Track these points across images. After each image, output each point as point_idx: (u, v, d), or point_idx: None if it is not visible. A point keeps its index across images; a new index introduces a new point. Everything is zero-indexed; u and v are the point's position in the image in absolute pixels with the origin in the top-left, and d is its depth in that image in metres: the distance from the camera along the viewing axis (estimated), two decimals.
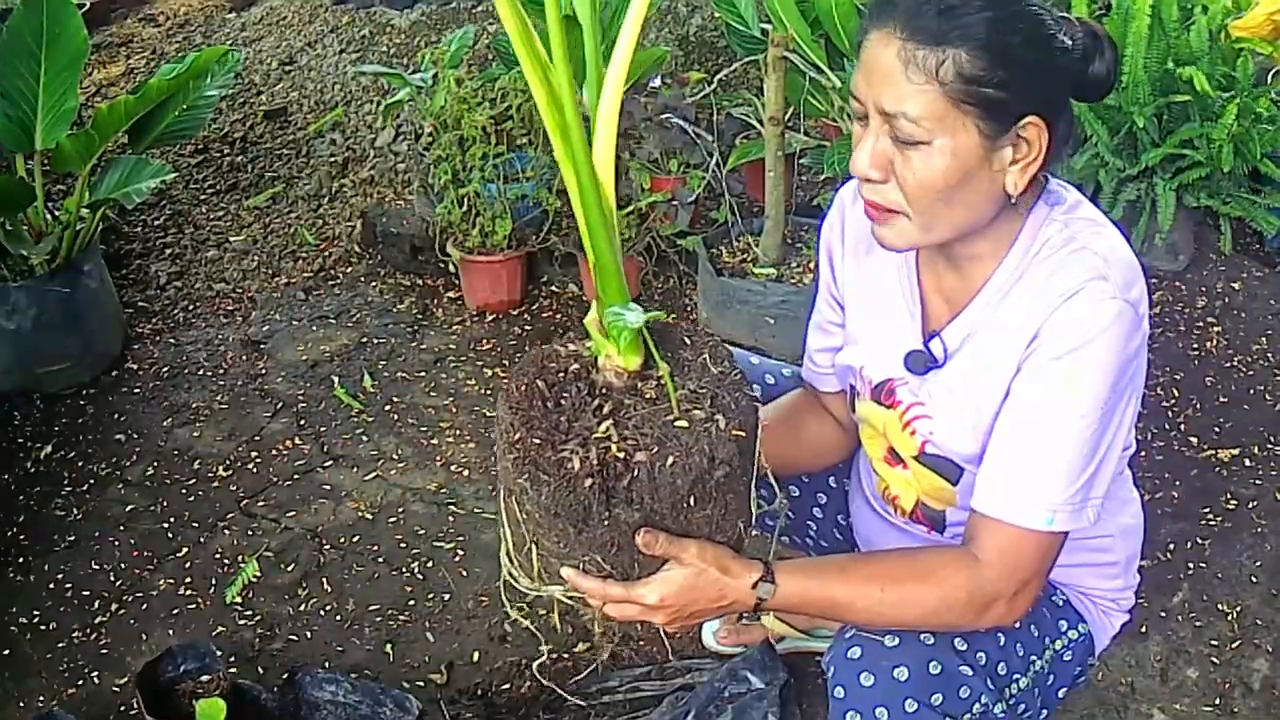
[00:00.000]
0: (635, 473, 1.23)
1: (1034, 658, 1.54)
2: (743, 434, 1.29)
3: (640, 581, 1.30)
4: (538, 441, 1.25)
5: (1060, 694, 1.62)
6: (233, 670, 2.24)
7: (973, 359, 1.44)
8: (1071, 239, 1.35)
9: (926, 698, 1.36)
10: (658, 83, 3.58)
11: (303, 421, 3.03)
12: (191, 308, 3.56)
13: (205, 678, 2.13)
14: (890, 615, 1.38)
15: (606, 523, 1.25)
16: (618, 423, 1.27)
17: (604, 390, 1.31)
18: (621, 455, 1.24)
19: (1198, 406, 2.93)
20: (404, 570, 2.53)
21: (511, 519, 1.32)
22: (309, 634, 2.38)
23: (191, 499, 2.76)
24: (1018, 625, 1.48)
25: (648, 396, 1.30)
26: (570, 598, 1.34)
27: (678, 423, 1.27)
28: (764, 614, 1.93)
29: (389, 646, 2.34)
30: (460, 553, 2.58)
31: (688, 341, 1.38)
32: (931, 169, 1.27)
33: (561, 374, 1.34)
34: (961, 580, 1.37)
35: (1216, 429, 2.86)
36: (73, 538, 2.64)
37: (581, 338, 1.39)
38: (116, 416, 3.06)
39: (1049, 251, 1.36)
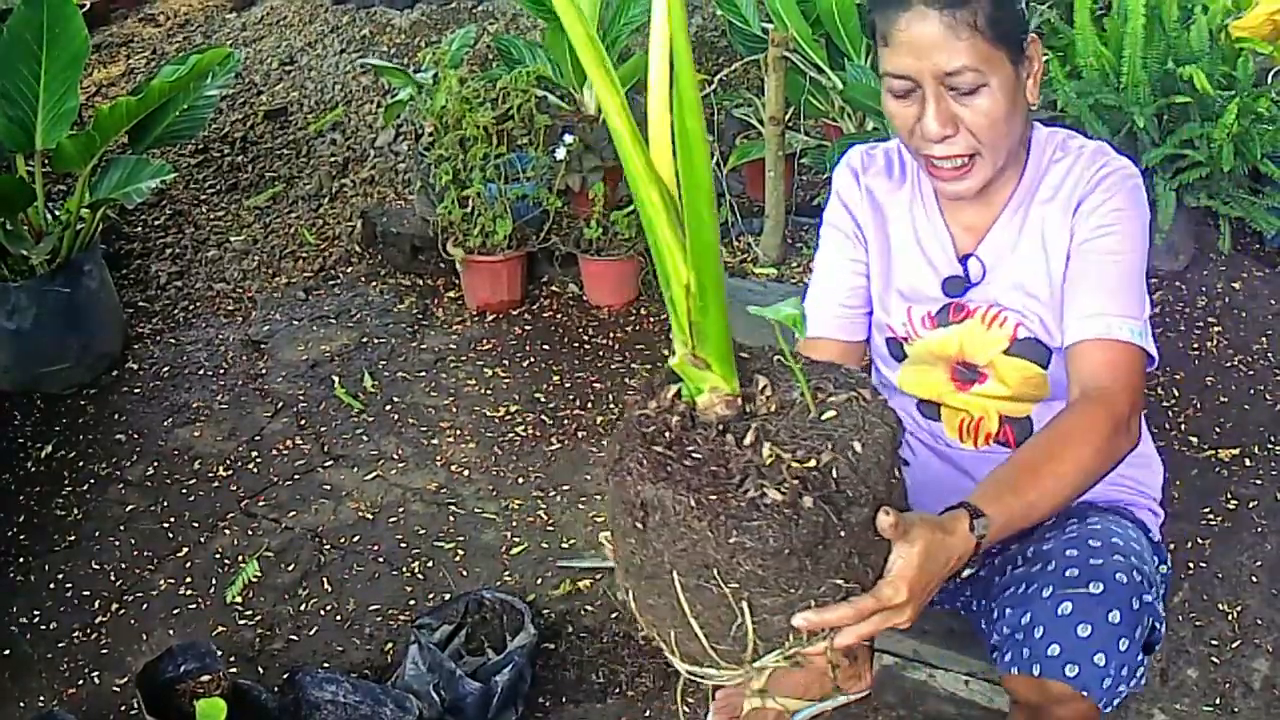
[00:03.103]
0: (836, 471, 1.14)
1: (1156, 583, 1.58)
2: (885, 398, 1.23)
3: (881, 585, 1.20)
4: (715, 497, 1.12)
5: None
6: (233, 670, 2.23)
7: (1019, 263, 1.62)
8: (1066, 144, 1.63)
9: (1132, 633, 1.42)
10: None
11: (303, 421, 3.03)
12: (192, 308, 3.56)
13: (205, 678, 2.13)
14: (1074, 488, 1.44)
15: (843, 534, 1.14)
16: (774, 442, 1.16)
17: (724, 425, 1.19)
18: (810, 464, 1.14)
19: (1198, 406, 2.92)
20: (404, 570, 2.53)
21: (704, 602, 1.15)
22: (309, 634, 2.38)
23: (192, 499, 2.76)
24: (1140, 548, 1.54)
25: (772, 409, 1.21)
26: (786, 658, 1.19)
27: (825, 416, 1.19)
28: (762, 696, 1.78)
29: (389, 646, 2.34)
30: (460, 552, 2.58)
31: (745, 355, 1.29)
32: (996, 104, 1.49)
33: (668, 431, 1.21)
34: (1099, 414, 1.46)
35: (1217, 429, 2.85)
36: (73, 537, 2.64)
37: (647, 388, 1.27)
38: (117, 416, 3.06)
39: (1060, 155, 1.62)
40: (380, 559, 2.57)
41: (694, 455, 1.17)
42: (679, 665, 1.22)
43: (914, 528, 1.22)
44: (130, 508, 2.73)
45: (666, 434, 1.20)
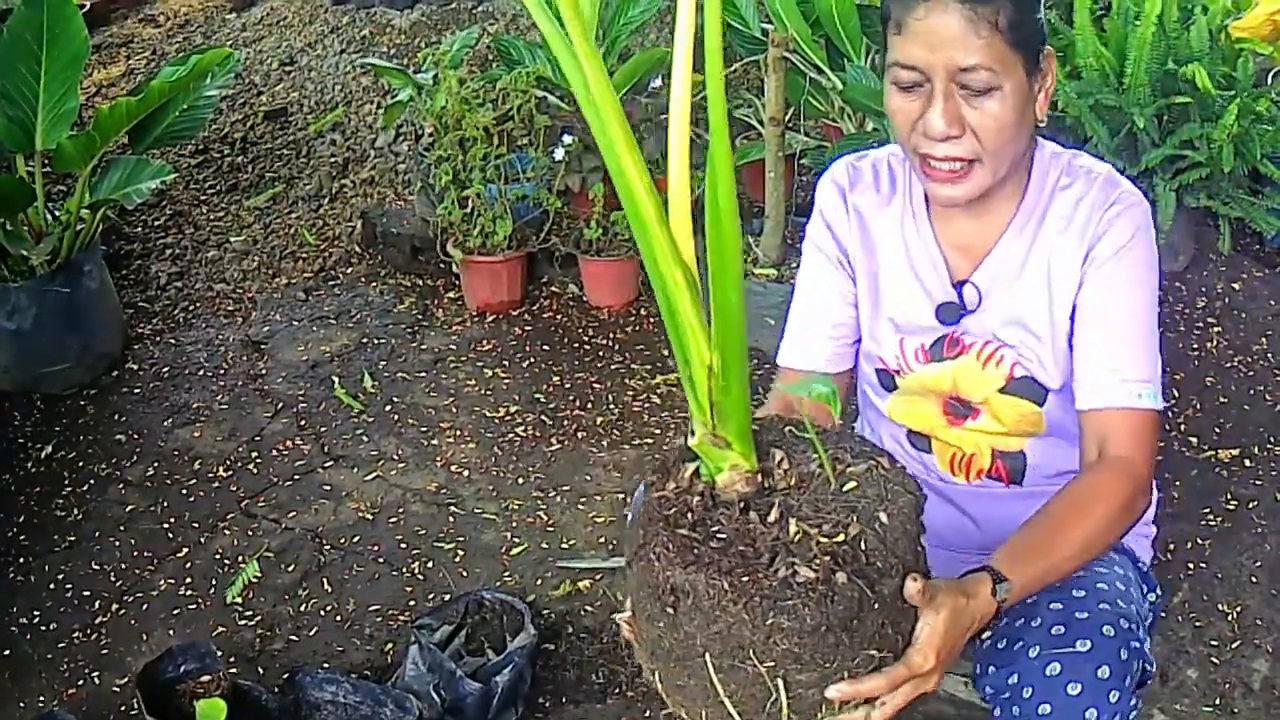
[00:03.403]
0: (865, 544, 1.14)
1: (1144, 617, 1.58)
2: (903, 465, 1.24)
3: (910, 654, 1.21)
4: (746, 579, 1.11)
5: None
6: (233, 670, 2.23)
7: (1018, 294, 1.56)
8: (1073, 167, 1.55)
9: (1121, 683, 1.40)
10: (658, 83, 3.58)
11: (303, 422, 3.03)
12: (192, 308, 3.56)
13: (205, 678, 2.13)
14: (1090, 552, 1.44)
15: (877, 606, 1.14)
16: (798, 518, 1.16)
17: (745, 503, 1.19)
18: (839, 539, 1.14)
19: (1198, 406, 2.93)
20: (404, 570, 2.53)
21: (738, 681, 1.15)
22: (309, 634, 2.38)
23: (192, 499, 2.76)
24: (1126, 586, 1.53)
25: (792, 484, 1.21)
26: None
27: (846, 487, 1.19)
28: None
29: (389, 647, 2.34)
30: (460, 553, 2.58)
31: (756, 427, 1.27)
32: (1006, 110, 1.42)
33: (690, 512, 1.19)
34: (1121, 482, 1.46)
35: (1217, 429, 2.85)
36: (73, 538, 2.64)
37: (663, 469, 1.25)
38: (117, 417, 3.06)
39: (1067, 180, 1.54)
40: (380, 559, 2.57)
41: (720, 536, 1.16)
42: None
43: (939, 594, 1.23)
44: (130, 508, 2.73)
45: (689, 515, 1.18)
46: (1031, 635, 1.43)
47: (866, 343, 1.67)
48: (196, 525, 2.68)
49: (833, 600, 1.10)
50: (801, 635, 1.11)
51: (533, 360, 3.26)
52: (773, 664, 1.12)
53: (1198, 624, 2.32)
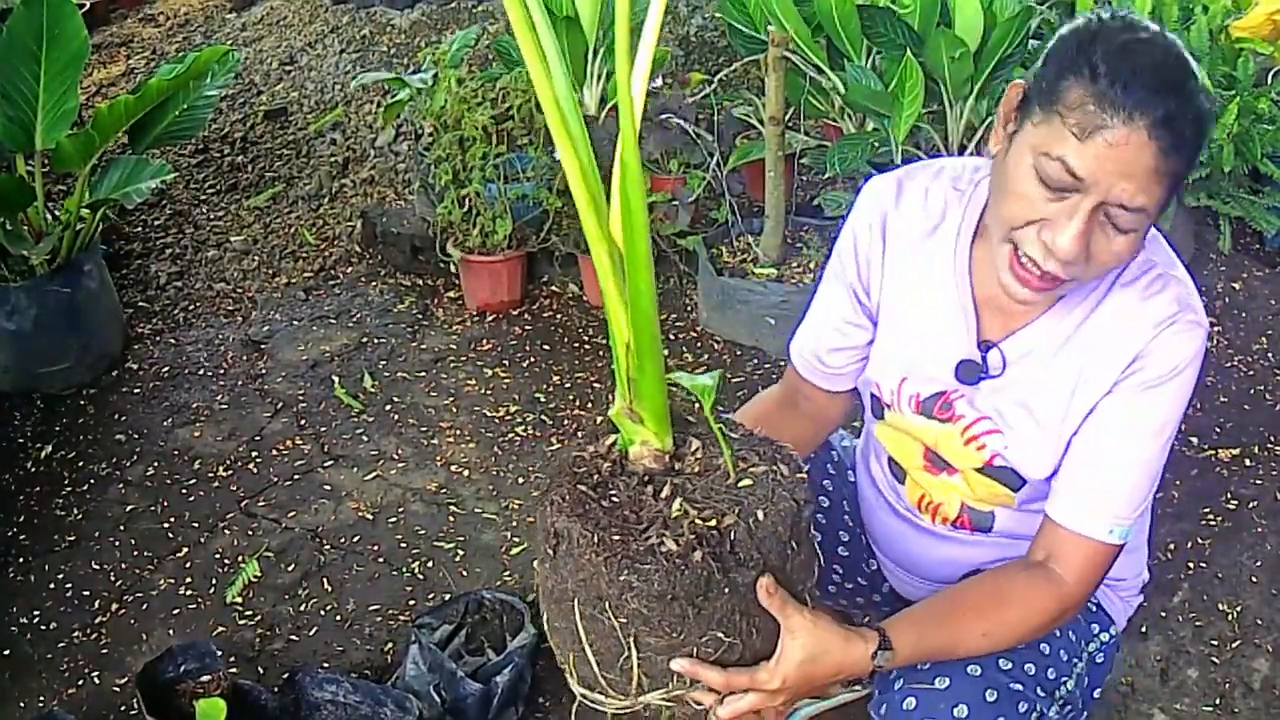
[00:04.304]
0: (734, 535, 1.22)
1: (1075, 661, 1.56)
2: (804, 476, 1.30)
3: (760, 668, 1.28)
4: (618, 538, 1.22)
5: (1095, 694, 1.65)
6: (233, 670, 2.23)
7: (1043, 375, 1.46)
8: (1150, 263, 1.41)
9: None
10: (659, 83, 3.58)
11: (303, 421, 3.03)
12: (192, 308, 3.56)
13: (205, 678, 2.13)
14: (992, 646, 1.43)
15: (726, 590, 1.22)
16: (686, 499, 1.25)
17: (648, 477, 1.29)
18: (712, 524, 1.23)
19: (1198, 406, 2.92)
20: (404, 570, 2.53)
21: (597, 631, 1.25)
22: (309, 634, 2.38)
23: (192, 499, 2.76)
24: (1057, 632, 1.51)
25: (696, 470, 1.30)
26: (669, 699, 1.28)
27: (741, 483, 1.27)
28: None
29: (389, 646, 2.34)
30: (460, 553, 2.58)
31: (691, 419, 1.37)
32: (1133, 247, 1.30)
33: (596, 474, 1.31)
34: (1049, 598, 1.43)
35: (1217, 429, 2.86)
36: (73, 538, 2.64)
37: (593, 436, 1.37)
38: (117, 416, 3.06)
39: (1132, 275, 1.41)
40: (380, 559, 2.57)
41: (613, 499, 1.27)
42: (575, 688, 1.33)
43: (803, 620, 1.26)
44: (130, 508, 2.73)
45: (595, 476, 1.30)
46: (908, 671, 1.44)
47: (871, 366, 1.62)
48: (196, 525, 2.68)
49: (683, 573, 1.19)
50: (649, 598, 1.20)
51: (533, 360, 3.26)
52: (625, 620, 1.23)
53: (1198, 624, 2.32)
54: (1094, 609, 1.65)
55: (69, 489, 2.79)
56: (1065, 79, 1.24)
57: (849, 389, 1.68)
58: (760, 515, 1.24)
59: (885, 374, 1.59)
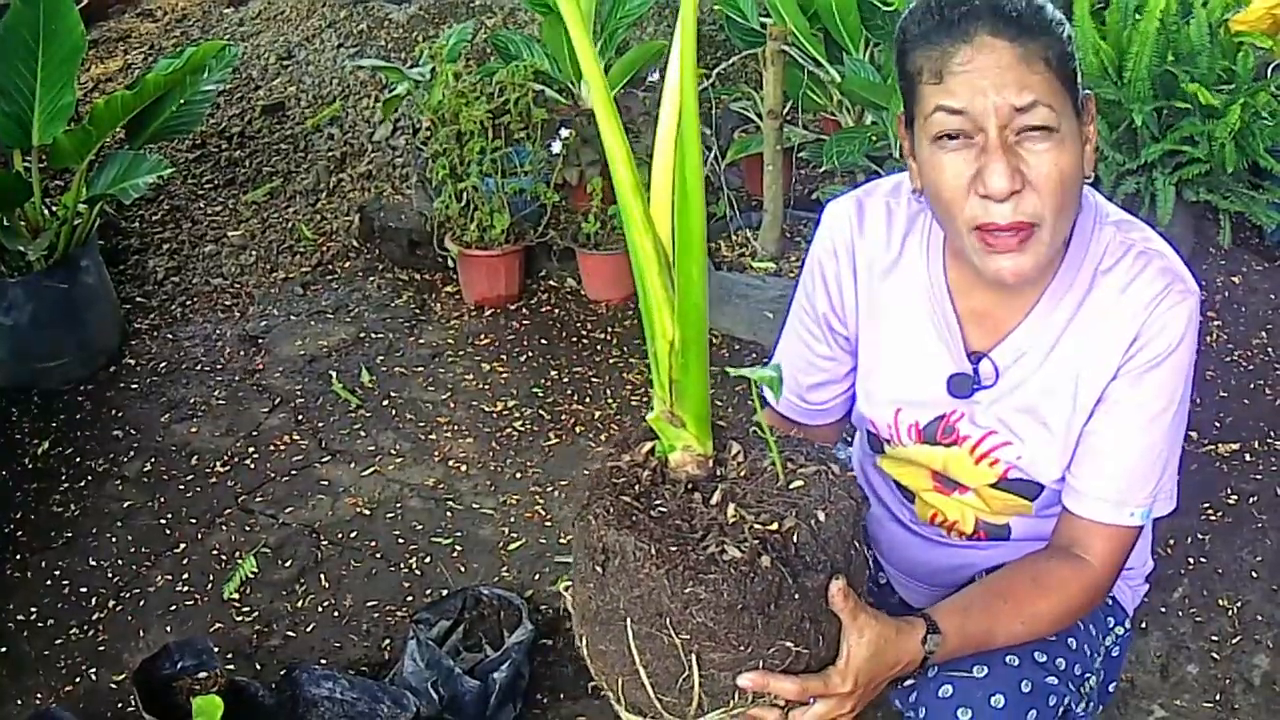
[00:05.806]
0: (797, 537, 1.16)
1: (1095, 656, 1.56)
2: (854, 474, 1.26)
3: (830, 672, 1.22)
4: (675, 549, 1.14)
5: (1110, 689, 1.65)
6: (230, 667, 2.23)
7: (1042, 378, 1.43)
8: (1128, 244, 1.38)
9: (1024, 716, 1.38)
10: (656, 76, 3.57)
11: (300, 417, 3.02)
12: (189, 303, 3.55)
13: (202, 675, 2.13)
14: (1028, 635, 1.41)
15: (796, 596, 1.15)
16: (739, 504, 1.19)
17: (692, 484, 1.22)
18: (772, 527, 1.16)
19: (1197, 401, 2.92)
20: (402, 566, 2.53)
21: (653, 651, 1.17)
22: (306, 630, 2.38)
23: (189, 495, 2.76)
24: (1079, 626, 1.51)
25: (742, 474, 1.24)
26: (732, 716, 1.21)
27: (792, 485, 1.22)
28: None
29: (387, 643, 2.34)
30: (458, 548, 2.57)
31: (722, 424, 1.30)
32: (1066, 156, 1.26)
33: (637, 484, 1.22)
34: (1081, 586, 1.43)
35: (1216, 424, 2.85)
36: (70, 534, 2.64)
37: (623, 442, 1.29)
38: (114, 412, 3.05)
39: (1112, 261, 1.38)
40: (378, 555, 2.56)
41: (660, 508, 1.19)
42: (624, 715, 1.25)
43: (868, 618, 1.23)
44: (128, 504, 2.73)
45: (636, 486, 1.22)
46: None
47: (860, 403, 1.57)
48: (194, 521, 2.67)
49: (752, 580, 1.12)
50: (718, 610, 1.13)
51: (530, 354, 3.25)
52: (688, 636, 1.14)
53: (1198, 619, 2.32)
54: (1110, 602, 1.64)
55: (66, 485, 2.79)
56: (902, 60, 1.29)
57: (836, 420, 1.64)
58: (821, 516, 1.18)
59: (877, 407, 1.54)
